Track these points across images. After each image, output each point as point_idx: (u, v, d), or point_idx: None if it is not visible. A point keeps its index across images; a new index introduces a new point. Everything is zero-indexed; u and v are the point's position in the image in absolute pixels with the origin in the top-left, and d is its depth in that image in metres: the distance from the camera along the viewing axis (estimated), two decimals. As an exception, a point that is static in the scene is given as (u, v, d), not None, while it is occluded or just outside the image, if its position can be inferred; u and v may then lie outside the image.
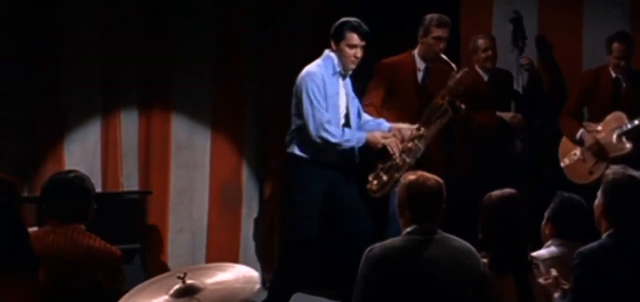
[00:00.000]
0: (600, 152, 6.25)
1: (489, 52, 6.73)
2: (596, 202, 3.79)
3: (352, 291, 3.90)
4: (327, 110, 5.82)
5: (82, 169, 6.76)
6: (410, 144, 6.06)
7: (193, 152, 7.24)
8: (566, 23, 6.79)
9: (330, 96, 5.88)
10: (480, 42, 6.76)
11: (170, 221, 7.17)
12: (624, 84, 6.31)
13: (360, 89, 6.23)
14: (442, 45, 6.21)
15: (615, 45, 6.25)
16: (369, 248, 3.90)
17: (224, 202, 7.28)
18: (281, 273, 6.06)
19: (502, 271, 3.95)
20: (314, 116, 5.79)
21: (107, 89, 6.99)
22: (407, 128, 6.03)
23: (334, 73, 5.91)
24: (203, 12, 7.20)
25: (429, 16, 6.26)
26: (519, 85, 6.62)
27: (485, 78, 6.78)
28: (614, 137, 6.22)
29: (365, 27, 5.88)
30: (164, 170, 7.13)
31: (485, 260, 3.99)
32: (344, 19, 5.91)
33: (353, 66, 5.92)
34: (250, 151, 7.38)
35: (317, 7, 7.38)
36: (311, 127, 5.79)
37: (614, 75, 6.31)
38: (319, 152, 5.84)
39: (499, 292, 3.93)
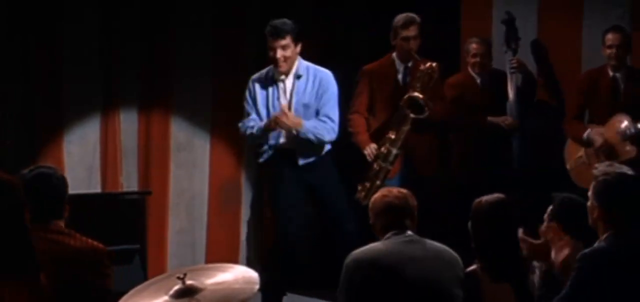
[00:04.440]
0: (610, 152, 6.13)
1: (477, 58, 6.69)
2: (589, 204, 3.77)
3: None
4: (259, 115, 5.93)
5: (82, 169, 6.86)
6: (383, 149, 6.17)
7: (193, 153, 7.24)
8: (566, 24, 6.78)
9: (260, 101, 5.94)
10: (472, 46, 6.71)
11: (170, 221, 7.18)
12: (623, 84, 6.28)
13: (346, 95, 6.25)
14: (412, 44, 6.28)
15: (609, 35, 6.23)
16: (349, 255, 3.94)
17: (224, 202, 7.28)
18: (269, 275, 6.08)
19: (498, 276, 3.94)
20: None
21: (107, 89, 6.99)
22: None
23: (267, 78, 5.95)
24: (203, 13, 7.20)
25: (396, 18, 6.31)
26: (513, 86, 6.59)
27: (478, 81, 6.76)
28: (620, 140, 6.16)
29: (281, 26, 5.84)
30: (163, 170, 7.13)
31: (476, 265, 3.99)
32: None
33: (280, 68, 5.87)
34: (250, 151, 7.37)
35: (316, 8, 7.38)
36: None
37: (611, 74, 6.29)
38: (276, 156, 5.90)
39: (496, 299, 3.92)
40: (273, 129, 5.87)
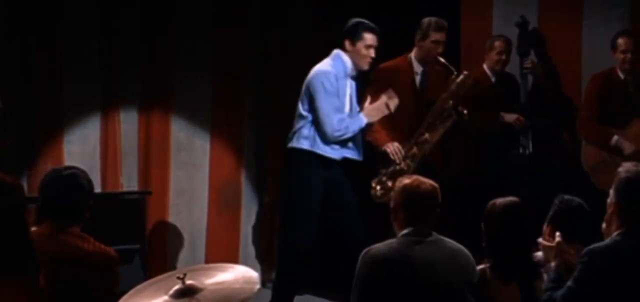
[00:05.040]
0: None
1: (503, 56, 6.72)
2: (609, 200, 3.78)
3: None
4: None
5: (82, 169, 6.85)
6: (414, 149, 6.11)
7: (193, 153, 7.24)
8: (566, 24, 6.79)
9: (341, 96, 5.91)
10: (497, 43, 6.74)
11: (170, 221, 7.17)
12: (634, 87, 6.30)
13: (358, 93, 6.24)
14: (440, 49, 6.24)
15: (620, 40, 6.27)
16: (365, 250, 3.92)
17: (224, 202, 7.28)
18: (282, 274, 6.06)
19: (506, 277, 3.96)
20: (329, 116, 5.83)
21: (107, 89, 6.99)
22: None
23: (346, 74, 5.94)
24: (203, 13, 7.20)
25: (427, 20, 6.27)
26: (525, 89, 6.60)
27: (493, 79, 6.78)
28: None
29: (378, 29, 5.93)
30: (163, 170, 7.13)
31: (486, 264, 4.00)
32: (358, 19, 5.96)
33: (367, 67, 5.96)
34: (250, 151, 7.38)
35: (316, 8, 7.38)
36: (328, 127, 5.83)
37: (622, 77, 6.31)
38: (321, 147, 5.85)
39: (503, 299, 3.93)
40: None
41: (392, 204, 4.00)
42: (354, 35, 5.90)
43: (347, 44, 5.92)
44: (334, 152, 5.92)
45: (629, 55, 6.24)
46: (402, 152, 6.08)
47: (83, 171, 3.88)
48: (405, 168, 6.06)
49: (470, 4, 7.11)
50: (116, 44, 6.99)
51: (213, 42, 7.22)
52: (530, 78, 6.64)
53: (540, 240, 3.97)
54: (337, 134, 5.86)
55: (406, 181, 4.00)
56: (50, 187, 3.73)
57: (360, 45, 5.89)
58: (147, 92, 7.11)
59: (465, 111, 6.07)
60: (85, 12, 6.91)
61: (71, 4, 6.87)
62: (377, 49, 5.94)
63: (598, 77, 6.46)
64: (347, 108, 5.98)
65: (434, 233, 3.93)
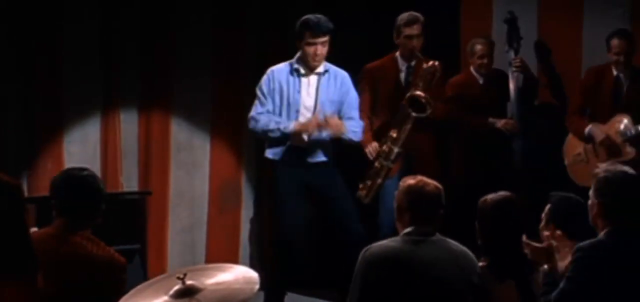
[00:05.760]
0: (611, 149, 6.17)
1: (484, 60, 6.70)
2: (590, 202, 3.78)
3: (346, 291, 3.91)
4: (274, 106, 5.91)
5: (82, 170, 6.84)
6: (384, 147, 6.16)
7: (193, 153, 7.24)
8: (566, 23, 6.78)
9: (279, 91, 5.93)
10: (478, 47, 6.71)
11: (170, 222, 7.17)
12: (626, 83, 6.30)
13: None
14: (415, 43, 6.29)
15: (614, 41, 6.25)
16: (365, 248, 3.91)
17: (224, 202, 7.28)
18: (270, 274, 6.10)
19: (502, 275, 3.95)
20: (253, 106, 5.97)
21: (107, 89, 7.00)
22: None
23: (291, 71, 5.96)
24: (203, 13, 7.20)
25: (399, 17, 6.32)
26: (514, 86, 6.58)
27: (481, 81, 6.76)
28: (621, 140, 6.18)
29: (324, 24, 5.89)
30: (163, 171, 7.13)
31: (483, 263, 3.99)
32: (304, 17, 5.95)
33: (316, 63, 5.94)
34: (250, 151, 7.38)
35: (316, 8, 7.37)
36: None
37: (615, 73, 6.31)
38: (287, 152, 5.89)
39: (501, 297, 3.92)
40: (303, 133, 5.88)
41: (395, 204, 4.00)
42: (298, 34, 5.94)
43: (296, 43, 5.97)
44: (272, 154, 5.99)
45: (621, 58, 6.24)
46: (376, 150, 6.15)
47: (97, 175, 3.90)
48: (379, 167, 6.13)
49: (470, 4, 7.10)
50: (116, 44, 6.99)
51: (213, 42, 7.22)
52: (520, 76, 6.62)
53: (525, 240, 3.94)
54: (249, 125, 5.99)
55: (411, 181, 3.99)
56: (68, 187, 3.73)
57: (302, 43, 5.91)
58: (147, 92, 7.11)
59: (420, 93, 6.04)
60: (85, 12, 6.92)
61: (71, 4, 6.87)
62: (325, 44, 5.87)
63: (589, 72, 6.48)
64: (305, 104, 5.96)
65: (438, 234, 3.92)
